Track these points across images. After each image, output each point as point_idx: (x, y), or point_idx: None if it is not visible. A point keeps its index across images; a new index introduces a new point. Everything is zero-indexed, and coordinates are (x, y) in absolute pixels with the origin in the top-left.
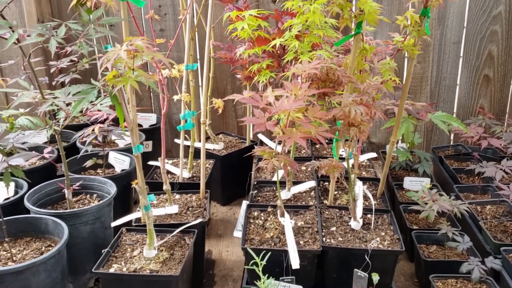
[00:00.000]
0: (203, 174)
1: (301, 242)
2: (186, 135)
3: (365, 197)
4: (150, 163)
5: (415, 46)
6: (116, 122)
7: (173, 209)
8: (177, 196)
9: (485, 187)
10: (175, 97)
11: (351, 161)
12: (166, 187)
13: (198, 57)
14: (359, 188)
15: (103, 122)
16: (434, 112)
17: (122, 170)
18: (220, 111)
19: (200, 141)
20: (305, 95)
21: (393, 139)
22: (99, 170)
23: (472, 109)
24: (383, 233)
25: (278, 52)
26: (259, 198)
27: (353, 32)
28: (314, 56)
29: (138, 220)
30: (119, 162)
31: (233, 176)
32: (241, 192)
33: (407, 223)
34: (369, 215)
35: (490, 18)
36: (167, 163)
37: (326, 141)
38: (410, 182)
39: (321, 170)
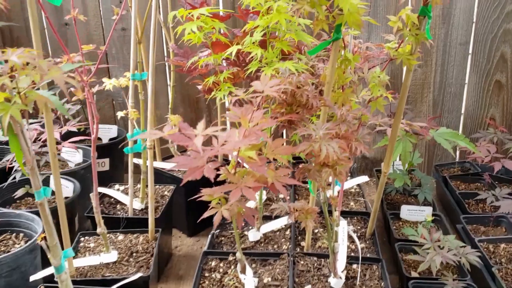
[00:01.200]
0: (152, 209)
1: None
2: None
3: (353, 238)
4: (100, 190)
5: (412, 55)
6: (65, 137)
7: (111, 256)
8: (120, 237)
9: (498, 218)
10: (119, 114)
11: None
12: (100, 230)
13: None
14: (343, 230)
15: (34, 141)
16: (437, 127)
17: (65, 197)
18: (177, 130)
19: (162, 160)
20: (258, 129)
21: (385, 169)
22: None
23: (482, 119)
24: None
25: (246, 60)
26: (222, 238)
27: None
28: (286, 64)
29: None
30: (62, 188)
31: (202, 201)
32: (211, 220)
33: (403, 269)
34: (354, 265)
35: (503, 15)
36: (118, 190)
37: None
38: (408, 212)
39: (291, 216)
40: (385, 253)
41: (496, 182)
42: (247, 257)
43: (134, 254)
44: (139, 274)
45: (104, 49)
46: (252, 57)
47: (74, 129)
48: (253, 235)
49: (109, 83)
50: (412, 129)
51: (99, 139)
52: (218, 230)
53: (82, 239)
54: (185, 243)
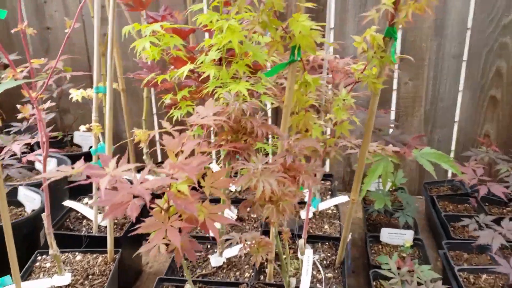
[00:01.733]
0: (110, 228)
1: None
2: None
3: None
4: (67, 203)
5: (378, 78)
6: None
7: (64, 279)
8: (79, 257)
9: (482, 245)
10: (81, 128)
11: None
12: (52, 252)
13: None
14: (308, 259)
15: None
16: (422, 147)
17: (32, 210)
18: (143, 146)
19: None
20: (186, 165)
21: (353, 196)
22: None
23: (476, 135)
24: None
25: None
26: (185, 261)
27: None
28: (239, 87)
29: None
30: (29, 201)
31: None
32: None
33: None
34: None
35: (499, 28)
36: (87, 204)
37: None
38: (388, 235)
39: (241, 251)
40: (362, 278)
41: (486, 204)
42: (204, 287)
43: (90, 276)
44: None
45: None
46: (208, 76)
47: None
48: (215, 260)
49: (75, 95)
50: (385, 153)
51: (79, 146)
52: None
53: (39, 258)
54: (158, 259)
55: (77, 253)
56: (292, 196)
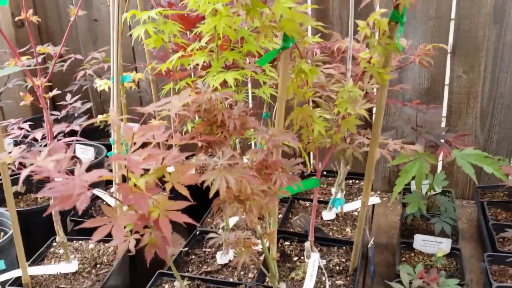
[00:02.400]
0: None
1: None
2: None
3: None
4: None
5: (384, 68)
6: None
7: (71, 266)
8: (91, 246)
9: None
10: (99, 117)
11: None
12: (59, 239)
13: None
14: (313, 264)
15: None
16: (463, 147)
17: None
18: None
19: None
20: (143, 160)
21: (363, 198)
22: None
23: None
24: None
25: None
26: (193, 257)
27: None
28: (226, 76)
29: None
30: None
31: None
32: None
33: None
34: None
35: None
36: (104, 193)
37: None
38: (423, 242)
39: (224, 251)
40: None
41: None
42: (203, 285)
43: (98, 265)
44: None
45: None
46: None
47: (77, 127)
48: (221, 257)
49: (100, 85)
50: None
51: (78, 158)
52: (186, 248)
53: (54, 244)
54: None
55: (90, 241)
56: (263, 195)
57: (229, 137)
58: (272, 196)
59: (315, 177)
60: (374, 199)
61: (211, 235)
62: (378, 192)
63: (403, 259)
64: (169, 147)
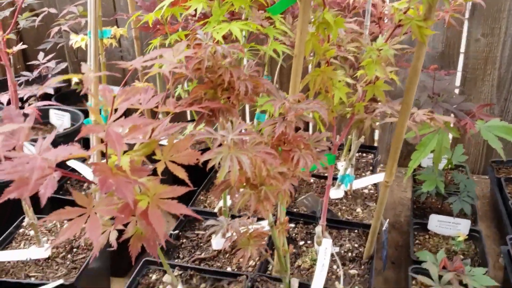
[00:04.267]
0: None
1: None
2: None
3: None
4: (69, 163)
5: (426, 21)
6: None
7: (42, 252)
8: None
9: None
10: (74, 78)
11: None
12: (28, 220)
13: None
14: (325, 251)
15: None
16: (488, 118)
17: None
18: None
19: None
20: (127, 133)
21: (387, 178)
22: None
23: None
24: None
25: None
26: (183, 241)
27: None
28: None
29: None
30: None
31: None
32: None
33: None
34: None
35: None
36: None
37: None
38: (438, 223)
39: (225, 243)
40: (403, 272)
41: None
42: (197, 275)
43: (75, 250)
44: (59, 282)
45: None
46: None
47: (51, 90)
48: (217, 242)
49: (75, 41)
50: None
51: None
52: (177, 231)
53: (23, 224)
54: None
55: (65, 221)
56: (281, 179)
57: (238, 104)
58: (292, 180)
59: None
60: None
61: (209, 222)
62: (381, 165)
63: (417, 241)
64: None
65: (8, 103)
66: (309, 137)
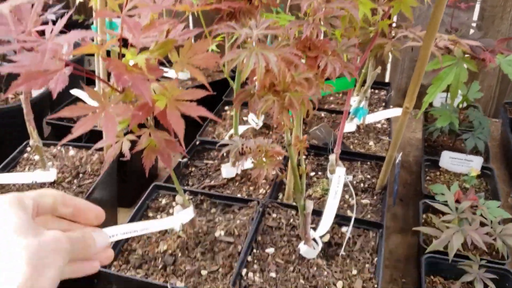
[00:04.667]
0: None
1: (203, 272)
2: None
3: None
4: (72, 91)
5: None
6: None
7: (48, 175)
8: (72, 152)
9: None
10: None
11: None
12: (32, 142)
13: None
14: (339, 179)
15: None
16: (508, 52)
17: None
18: None
19: None
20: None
21: (407, 103)
22: None
23: None
24: (354, 271)
25: None
26: (193, 169)
27: None
28: None
29: None
30: None
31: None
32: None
33: (420, 240)
34: (344, 228)
35: None
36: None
37: None
38: (450, 160)
39: (240, 160)
40: (411, 209)
41: None
42: (207, 200)
43: (81, 175)
44: None
45: None
46: None
47: (52, 17)
48: (227, 170)
49: None
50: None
51: None
52: (185, 159)
53: (28, 149)
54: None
55: (70, 147)
56: (307, 86)
57: (260, 5)
58: (318, 87)
59: None
60: (397, 110)
61: (223, 141)
62: (391, 106)
63: (428, 177)
64: None
65: None
66: (336, 45)
